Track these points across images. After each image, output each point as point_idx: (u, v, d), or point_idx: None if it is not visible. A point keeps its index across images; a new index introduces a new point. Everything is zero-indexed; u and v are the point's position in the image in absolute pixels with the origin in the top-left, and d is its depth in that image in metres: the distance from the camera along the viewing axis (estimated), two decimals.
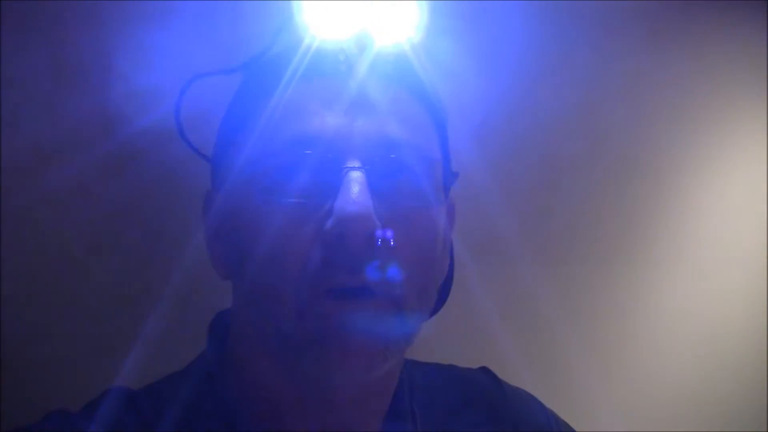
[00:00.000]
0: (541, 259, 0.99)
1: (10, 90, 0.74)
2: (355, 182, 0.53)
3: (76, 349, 0.78)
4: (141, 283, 0.80)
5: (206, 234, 0.63)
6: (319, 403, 0.58)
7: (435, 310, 0.63)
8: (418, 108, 0.60)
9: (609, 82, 1.06)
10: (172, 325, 0.73)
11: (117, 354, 0.72)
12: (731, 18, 1.14)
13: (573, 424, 0.75)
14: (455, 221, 0.66)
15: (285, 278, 0.54)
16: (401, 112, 0.58)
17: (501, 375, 0.74)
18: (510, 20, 0.95)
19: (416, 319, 0.57)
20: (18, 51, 0.74)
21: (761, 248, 1.14)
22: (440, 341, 0.69)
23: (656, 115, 1.10)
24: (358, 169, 0.54)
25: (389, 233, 0.54)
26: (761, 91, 1.15)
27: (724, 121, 1.14)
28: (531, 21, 0.97)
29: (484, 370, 0.74)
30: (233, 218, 0.58)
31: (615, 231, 1.06)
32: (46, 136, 0.76)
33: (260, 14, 0.68)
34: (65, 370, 0.77)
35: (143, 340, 0.71)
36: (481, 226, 0.76)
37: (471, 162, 0.65)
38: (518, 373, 0.75)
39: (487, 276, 0.81)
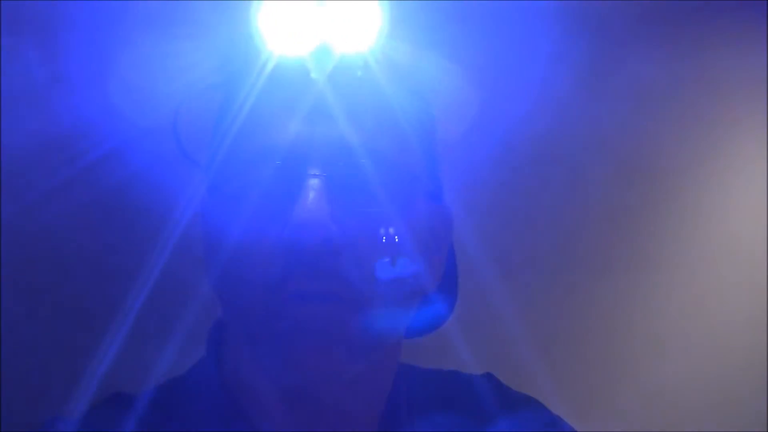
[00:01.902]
0: (542, 263, 0.99)
1: (9, 91, 0.73)
2: (313, 189, 0.54)
3: (77, 351, 0.78)
4: (143, 285, 0.80)
5: (202, 244, 0.64)
6: (305, 408, 0.59)
7: (444, 318, 0.64)
8: (384, 116, 0.59)
9: (608, 84, 1.06)
10: (174, 329, 0.73)
11: (116, 357, 0.72)
12: (731, 18, 1.14)
13: (577, 426, 0.74)
14: (452, 227, 0.65)
15: (249, 286, 0.55)
16: (364, 119, 0.58)
17: (506, 380, 0.73)
18: (506, 21, 0.95)
19: (380, 326, 0.57)
20: (17, 52, 0.73)
21: (762, 248, 1.14)
22: (443, 347, 0.69)
23: (656, 117, 1.10)
24: (316, 176, 0.55)
25: (347, 238, 0.54)
26: (761, 92, 1.15)
27: (725, 122, 1.14)
28: (527, 22, 0.97)
29: (488, 376, 0.73)
30: (209, 227, 0.60)
31: (618, 234, 1.06)
32: (46, 138, 0.76)
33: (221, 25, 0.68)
34: (66, 372, 0.77)
35: (144, 343, 0.71)
36: (482, 231, 0.76)
37: (472, 166, 0.65)
38: (523, 378, 0.74)
39: (491, 281, 0.81)
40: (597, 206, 1.05)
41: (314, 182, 0.54)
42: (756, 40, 1.15)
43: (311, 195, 0.54)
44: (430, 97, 0.64)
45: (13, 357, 0.77)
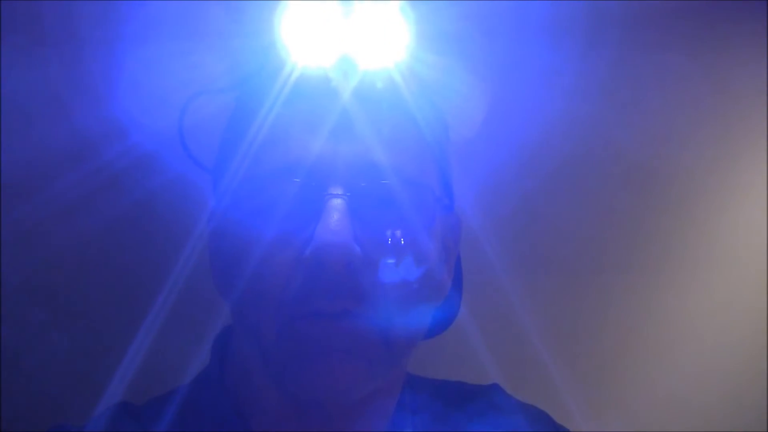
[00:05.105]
0: (546, 269, 0.99)
1: (11, 98, 0.73)
2: (336, 210, 0.54)
3: (83, 361, 0.78)
4: (143, 292, 0.79)
5: (209, 249, 0.64)
6: (311, 420, 0.59)
7: (444, 327, 0.64)
8: (407, 131, 0.59)
9: (606, 86, 1.05)
10: (176, 336, 0.73)
11: (118, 364, 0.72)
12: (731, 18, 1.14)
13: (585, 427, 0.75)
14: (461, 233, 0.66)
15: (266, 302, 0.55)
16: (388, 136, 0.57)
17: (512, 391, 0.73)
18: (503, 31, 0.95)
19: (400, 341, 0.58)
20: (20, 59, 0.73)
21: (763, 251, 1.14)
22: (449, 358, 0.69)
23: (657, 119, 1.10)
24: (339, 196, 0.54)
25: (369, 260, 0.54)
26: (761, 92, 1.15)
27: (724, 123, 1.14)
28: (526, 30, 0.97)
29: (495, 387, 0.73)
30: (225, 238, 0.60)
31: (622, 238, 1.06)
32: (47, 145, 0.75)
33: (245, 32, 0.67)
34: (72, 381, 0.77)
35: (146, 352, 0.71)
36: (489, 236, 0.76)
37: (477, 172, 0.65)
38: (531, 389, 0.74)
39: (497, 290, 0.81)
40: (602, 212, 1.05)
41: (337, 202, 0.54)
42: (756, 38, 1.15)
43: (334, 216, 0.53)
44: (449, 107, 0.64)
45: (18, 365, 0.76)
